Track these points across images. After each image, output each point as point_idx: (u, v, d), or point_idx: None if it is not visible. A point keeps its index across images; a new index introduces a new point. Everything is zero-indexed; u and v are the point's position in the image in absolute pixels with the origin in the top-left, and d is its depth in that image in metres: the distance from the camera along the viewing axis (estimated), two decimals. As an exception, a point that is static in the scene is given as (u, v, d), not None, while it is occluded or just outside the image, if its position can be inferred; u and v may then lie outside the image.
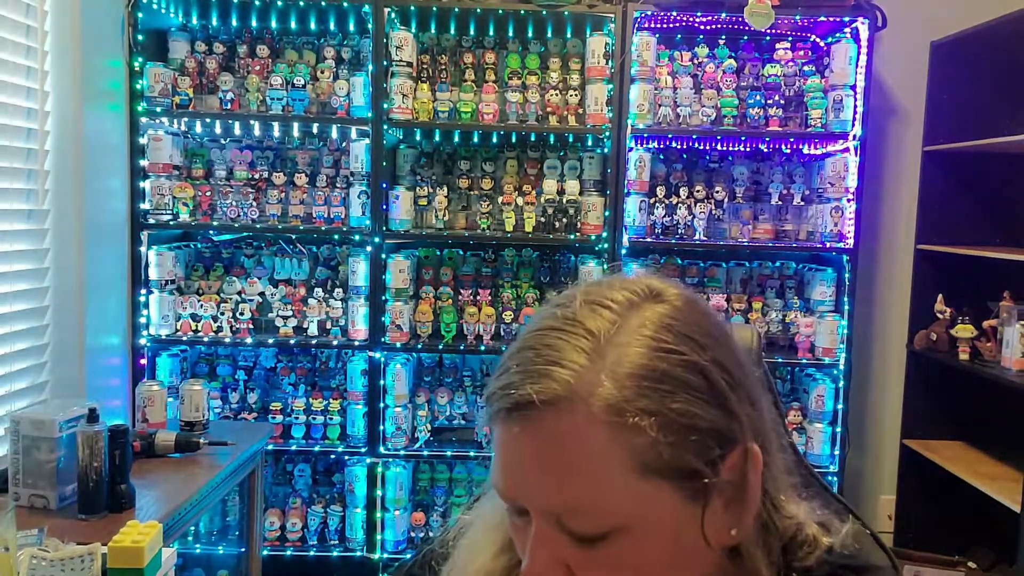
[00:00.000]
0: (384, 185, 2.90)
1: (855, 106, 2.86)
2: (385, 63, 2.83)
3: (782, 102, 2.94)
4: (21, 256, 2.32)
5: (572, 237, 2.92)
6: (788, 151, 3.10)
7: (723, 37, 3.04)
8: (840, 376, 2.94)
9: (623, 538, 0.61)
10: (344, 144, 3.03)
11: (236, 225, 2.91)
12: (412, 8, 2.83)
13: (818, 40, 3.06)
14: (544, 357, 0.62)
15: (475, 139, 3.07)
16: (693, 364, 0.62)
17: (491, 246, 3.10)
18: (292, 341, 2.91)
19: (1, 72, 2.23)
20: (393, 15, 2.84)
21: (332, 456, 3.04)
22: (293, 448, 2.95)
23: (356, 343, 2.90)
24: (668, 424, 0.60)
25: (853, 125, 2.86)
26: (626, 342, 0.62)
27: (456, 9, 2.83)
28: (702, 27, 2.96)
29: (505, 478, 0.64)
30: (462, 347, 2.93)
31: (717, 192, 3.01)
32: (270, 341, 2.92)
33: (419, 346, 2.93)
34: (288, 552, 2.95)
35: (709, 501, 0.63)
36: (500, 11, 2.82)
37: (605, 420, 0.59)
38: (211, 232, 3.02)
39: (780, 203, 3.05)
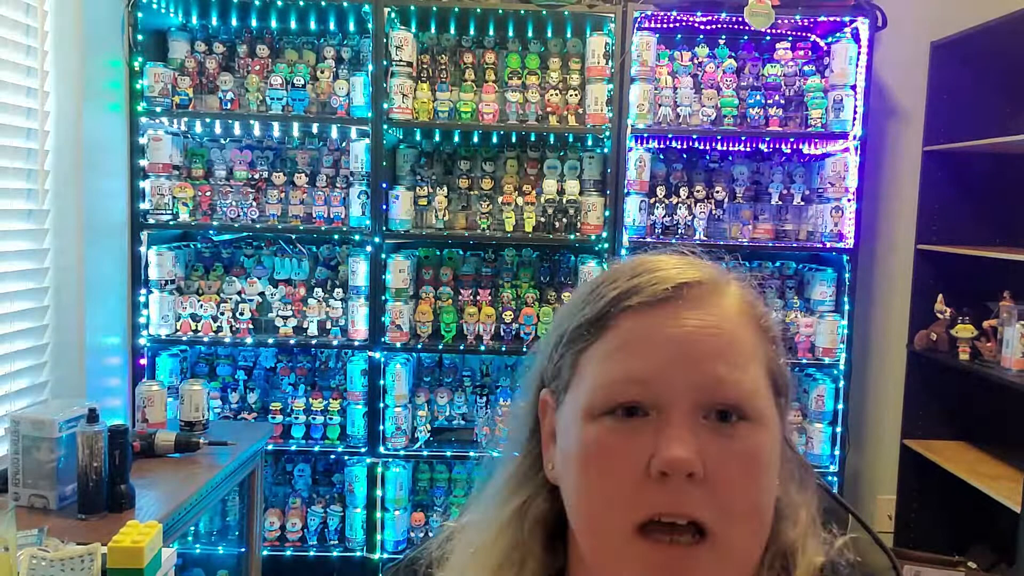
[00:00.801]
0: (384, 185, 2.90)
1: (855, 106, 2.86)
2: (385, 63, 2.83)
3: (782, 102, 2.94)
4: (21, 256, 2.32)
5: (572, 237, 2.92)
6: (788, 151, 3.10)
7: (723, 37, 3.04)
8: (840, 376, 2.93)
9: (754, 430, 0.63)
10: (344, 144, 3.03)
11: (236, 225, 2.91)
12: (412, 8, 2.83)
13: (818, 40, 3.06)
14: (675, 262, 0.67)
15: (475, 139, 3.07)
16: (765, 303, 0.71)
17: (491, 246, 3.10)
18: (292, 341, 2.91)
19: (1, 71, 2.23)
20: (393, 15, 2.84)
21: (332, 456, 3.04)
22: (293, 448, 2.95)
23: (356, 343, 2.90)
24: (775, 336, 0.68)
25: (853, 125, 2.86)
26: (729, 270, 0.69)
27: (456, 9, 2.83)
28: (702, 27, 2.96)
29: (647, 366, 0.63)
30: (462, 347, 2.93)
31: (717, 192, 3.01)
32: (270, 341, 2.92)
33: (419, 346, 2.93)
34: (288, 552, 2.95)
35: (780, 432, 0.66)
36: (500, 11, 2.82)
37: (748, 312, 0.66)
38: (211, 232, 3.02)
39: (780, 203, 3.05)
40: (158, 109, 2.80)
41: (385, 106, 2.83)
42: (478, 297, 2.97)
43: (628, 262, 0.69)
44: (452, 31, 3.09)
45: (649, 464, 0.60)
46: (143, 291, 2.83)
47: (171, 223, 2.86)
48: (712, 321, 0.64)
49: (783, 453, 0.67)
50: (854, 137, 2.87)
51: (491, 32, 3.06)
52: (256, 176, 2.98)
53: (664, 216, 2.96)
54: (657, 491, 0.60)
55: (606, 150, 2.92)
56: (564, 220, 2.93)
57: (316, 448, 2.95)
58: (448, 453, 2.96)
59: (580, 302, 0.68)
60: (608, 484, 0.62)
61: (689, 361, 0.62)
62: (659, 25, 2.95)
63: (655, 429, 0.61)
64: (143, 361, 2.84)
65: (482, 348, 2.93)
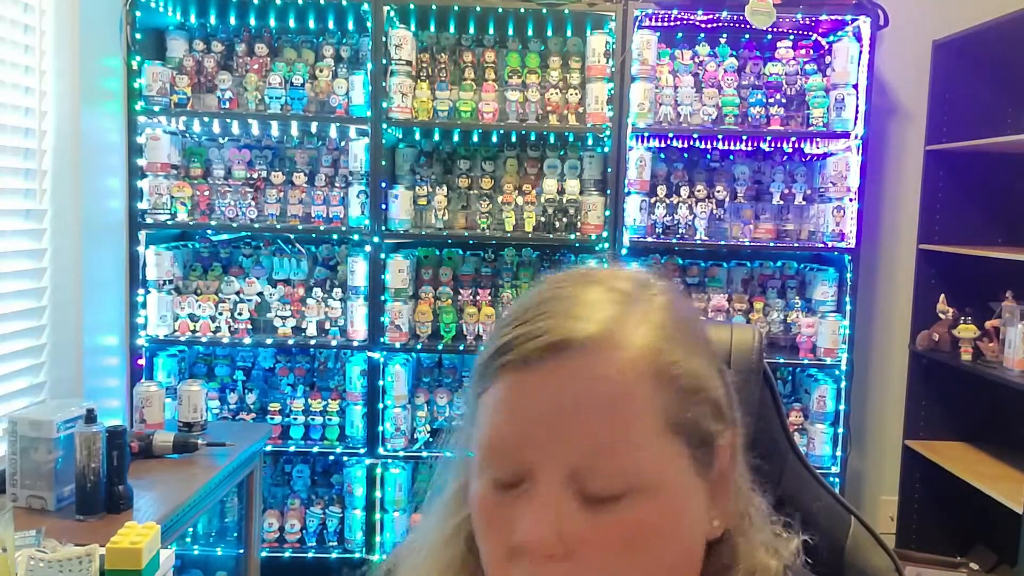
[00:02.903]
0: (383, 184, 2.89)
1: (857, 105, 2.85)
2: (384, 62, 2.82)
3: (783, 101, 2.93)
4: (19, 256, 2.32)
5: (572, 237, 2.91)
6: (789, 150, 3.09)
7: (724, 35, 3.03)
8: (842, 376, 2.92)
9: (637, 502, 0.57)
10: (343, 143, 3.02)
11: (234, 225, 2.90)
12: (411, 6, 2.82)
13: (820, 39, 3.05)
14: (576, 303, 0.60)
15: (475, 138, 3.06)
16: (702, 332, 0.63)
17: (491, 246, 3.09)
18: (291, 341, 2.90)
19: (-2, 71, 2.22)
20: (392, 13, 2.83)
21: (331, 457, 3.03)
22: (292, 449, 2.94)
23: (355, 343, 2.89)
24: (692, 381, 0.60)
25: (855, 124, 2.85)
26: (649, 298, 0.62)
27: (456, 7, 2.82)
28: (703, 25, 2.96)
29: (511, 433, 0.59)
30: (461, 347, 2.92)
31: (718, 192, 3.00)
32: (268, 341, 2.91)
33: (418, 346, 2.92)
34: (287, 553, 2.94)
35: (708, 478, 0.61)
36: (500, 9, 2.81)
37: (640, 365, 0.58)
38: (209, 232, 3.01)
39: (781, 203, 3.04)
40: (156, 108, 2.79)
41: (384, 105, 2.82)
42: (478, 297, 2.96)
43: (532, 296, 0.63)
44: (452, 30, 3.08)
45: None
46: (141, 291, 2.82)
47: (169, 223, 2.86)
48: (591, 387, 0.57)
49: (728, 494, 0.63)
50: (856, 136, 2.86)
51: (491, 31, 3.06)
52: (255, 175, 2.97)
53: (665, 216, 2.95)
54: (521, 568, 0.58)
55: (606, 149, 2.91)
56: (564, 220, 2.92)
57: (315, 449, 2.94)
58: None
59: (492, 335, 0.63)
60: (488, 545, 0.61)
61: (561, 432, 0.57)
62: (660, 23, 2.94)
63: (524, 501, 0.58)
64: (141, 361, 2.83)
65: (482, 348, 2.91)
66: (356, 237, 2.93)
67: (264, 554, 2.79)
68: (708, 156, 3.13)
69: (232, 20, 3.04)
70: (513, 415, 0.59)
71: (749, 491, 0.67)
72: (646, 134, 2.91)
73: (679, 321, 0.62)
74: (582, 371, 0.58)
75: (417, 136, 3.10)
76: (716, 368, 0.63)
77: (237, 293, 2.95)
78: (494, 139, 3.06)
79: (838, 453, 2.93)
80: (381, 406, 2.91)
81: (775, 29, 2.89)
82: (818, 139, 2.94)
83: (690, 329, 0.63)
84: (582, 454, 0.57)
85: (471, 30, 3.06)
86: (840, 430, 2.92)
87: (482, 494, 0.61)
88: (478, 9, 2.81)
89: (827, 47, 3.01)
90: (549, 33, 3.04)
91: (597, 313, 0.59)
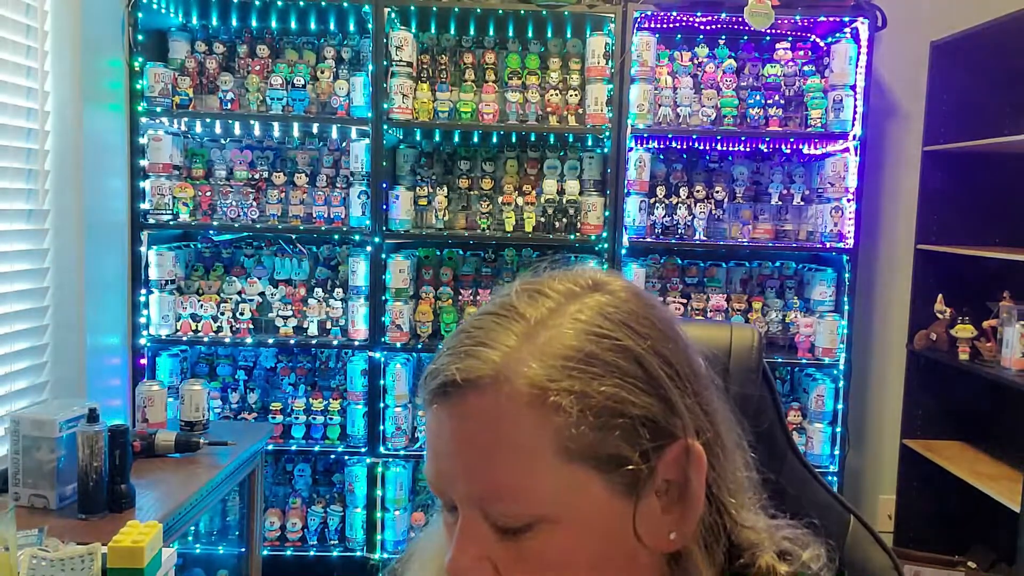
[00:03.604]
0: (384, 185, 2.90)
1: (855, 106, 2.86)
2: (385, 63, 2.83)
3: (782, 102, 2.94)
4: (21, 256, 2.32)
5: (572, 237, 2.92)
6: (788, 151, 3.10)
7: (723, 37, 3.04)
8: (840, 376, 2.93)
9: (549, 531, 0.59)
10: (344, 144, 3.03)
11: (236, 225, 2.91)
12: (412, 8, 2.83)
13: (818, 40, 3.06)
14: (474, 339, 0.61)
15: (475, 139, 3.07)
16: (627, 349, 0.60)
17: (491, 246, 3.10)
18: (292, 341, 2.91)
19: (1, 72, 2.23)
20: (393, 15, 2.84)
21: (332, 456, 3.04)
22: (293, 448, 2.95)
23: (356, 343, 2.90)
24: (594, 406, 0.58)
25: (853, 125, 2.86)
26: (558, 324, 0.61)
27: (456, 9, 2.83)
28: (702, 27, 2.96)
29: (432, 466, 0.63)
30: (462, 347, 2.92)
31: (717, 192, 3.01)
32: (270, 341, 2.92)
33: (419, 346, 2.93)
34: (288, 552, 2.95)
35: (642, 496, 0.60)
36: (500, 11, 2.82)
37: (527, 399, 0.58)
38: (211, 232, 3.02)
39: (780, 203, 3.05)
40: (158, 109, 2.80)
41: (385, 106, 2.83)
42: (478, 297, 2.97)
43: (464, 322, 0.65)
44: (452, 31, 3.09)
45: None
46: (143, 291, 2.83)
47: (171, 223, 2.87)
48: (480, 425, 0.59)
49: (688, 506, 0.62)
50: (854, 137, 2.87)
51: (491, 32, 3.07)
52: (256, 176, 2.98)
53: (664, 216, 2.96)
54: None
55: (606, 150, 2.92)
56: (564, 220, 2.93)
57: (316, 448, 2.95)
58: (448, 453, 2.95)
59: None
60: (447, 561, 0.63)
61: (460, 468, 0.61)
62: (659, 25, 2.95)
63: (457, 529, 0.62)
64: (143, 361, 2.84)
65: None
66: (357, 237, 2.94)
67: (266, 553, 2.80)
68: (707, 157, 3.14)
69: (234, 21, 3.05)
70: (430, 448, 0.63)
71: (742, 493, 0.67)
72: (645, 135, 2.91)
73: (594, 341, 0.60)
74: (472, 410, 0.59)
75: (418, 137, 3.11)
76: (654, 382, 0.60)
77: (239, 293, 2.96)
78: (494, 140, 3.07)
79: (836, 452, 2.94)
80: (382, 405, 2.92)
81: (773, 30, 2.90)
82: (816, 140, 2.95)
83: (612, 348, 0.60)
84: (480, 490, 0.60)
85: (471, 31, 3.07)
86: (838, 429, 2.93)
87: (443, 513, 0.65)
88: (478, 11, 2.82)
89: (825, 48, 3.02)
90: (549, 35, 3.05)
91: (493, 350, 0.60)
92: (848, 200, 2.90)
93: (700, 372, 0.65)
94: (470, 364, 0.60)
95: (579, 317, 0.61)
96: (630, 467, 0.59)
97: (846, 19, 2.84)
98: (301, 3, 2.82)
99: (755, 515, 0.67)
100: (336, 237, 3.03)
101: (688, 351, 0.65)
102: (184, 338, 2.89)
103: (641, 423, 0.60)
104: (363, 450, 2.92)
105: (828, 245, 2.92)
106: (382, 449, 2.92)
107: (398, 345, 2.89)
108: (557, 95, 2.92)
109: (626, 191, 2.88)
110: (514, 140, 3.08)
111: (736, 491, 0.66)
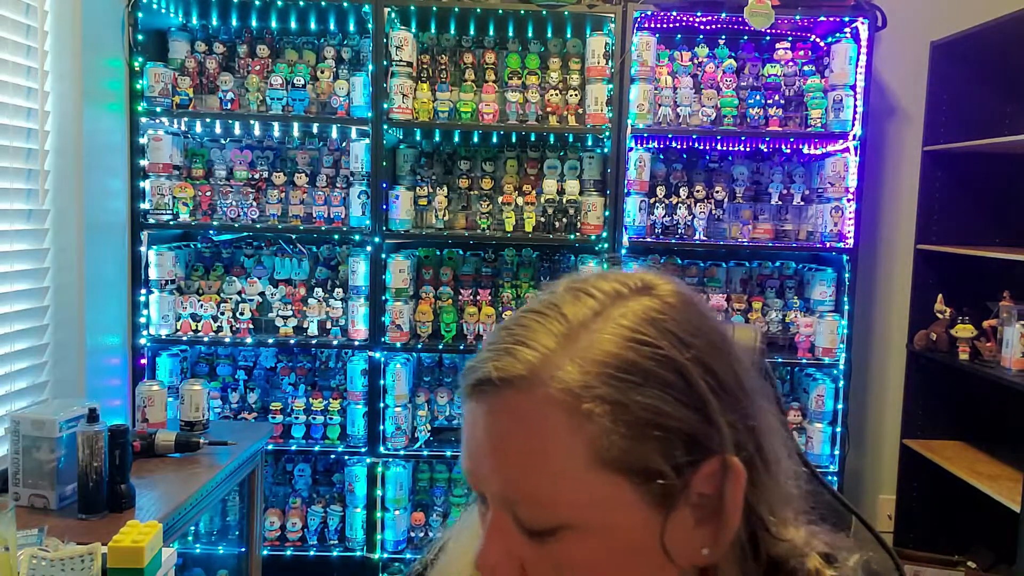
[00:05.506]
0: (384, 185, 2.90)
1: (855, 106, 2.86)
2: (385, 63, 2.83)
3: (782, 102, 2.94)
4: (21, 256, 2.32)
5: (572, 237, 2.92)
6: (788, 151, 3.10)
7: (723, 37, 3.04)
8: (840, 376, 2.94)
9: (576, 538, 0.58)
10: (344, 144, 3.03)
11: (236, 225, 2.91)
12: (412, 8, 2.83)
13: (818, 40, 3.06)
14: (514, 337, 0.60)
15: (475, 139, 3.07)
16: (669, 360, 0.59)
17: (491, 246, 3.10)
18: (292, 341, 2.91)
19: (1, 72, 2.23)
20: (393, 15, 2.84)
21: (332, 456, 3.04)
22: (293, 448, 2.95)
23: (356, 343, 2.90)
24: (629, 416, 0.57)
25: (853, 125, 2.86)
26: (600, 329, 0.59)
27: (456, 9, 2.83)
28: (702, 27, 2.97)
29: (466, 459, 0.63)
30: (462, 347, 2.93)
31: (717, 192, 3.01)
32: (270, 341, 2.92)
33: (419, 346, 2.93)
34: (288, 552, 2.95)
35: (673, 510, 0.59)
36: (500, 11, 2.82)
37: (561, 403, 0.57)
38: (211, 232, 3.02)
39: (780, 203, 3.05)
40: (158, 109, 2.80)
41: (385, 106, 2.83)
42: (478, 297, 2.97)
43: (510, 317, 0.64)
44: (452, 31, 3.09)
45: None
46: (143, 291, 2.83)
47: (171, 223, 2.87)
48: (513, 425, 0.59)
49: (723, 522, 0.61)
50: (854, 137, 2.87)
51: (491, 32, 3.07)
52: (256, 176, 2.98)
53: (664, 216, 2.96)
54: None
55: (606, 150, 2.92)
56: (564, 220, 2.93)
57: (316, 448, 2.95)
58: (448, 453, 2.96)
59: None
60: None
61: (491, 465, 0.60)
62: (659, 25, 2.95)
63: (487, 522, 0.62)
64: (143, 361, 2.84)
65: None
66: (357, 237, 2.94)
67: (266, 552, 2.80)
68: (707, 157, 3.14)
69: (234, 21, 3.05)
70: (466, 441, 0.63)
71: (786, 507, 0.66)
72: (645, 135, 2.91)
73: (635, 349, 0.59)
74: (506, 408, 0.59)
75: (418, 137, 3.11)
76: (695, 395, 0.59)
77: (239, 293, 2.96)
78: (494, 140, 3.07)
79: (836, 452, 2.94)
80: (382, 405, 2.92)
81: (773, 30, 2.90)
82: (816, 140, 2.95)
83: (653, 357, 0.59)
84: (508, 489, 0.59)
85: (471, 31, 3.07)
86: (838, 429, 2.93)
87: (477, 504, 0.65)
88: (478, 11, 2.82)
89: (825, 48, 3.02)
90: (549, 35, 3.05)
91: (533, 349, 0.59)
92: (848, 200, 2.90)
93: (747, 385, 0.63)
94: (507, 362, 0.59)
95: (622, 322, 0.60)
96: (663, 480, 0.58)
97: (846, 19, 2.84)
98: (301, 3, 2.82)
99: (795, 529, 0.66)
100: (336, 237, 3.03)
101: (736, 362, 0.63)
102: (184, 338, 2.89)
103: (678, 436, 0.58)
104: (363, 450, 2.92)
105: (828, 245, 2.92)
106: (382, 449, 2.92)
107: (398, 345, 2.89)
108: (557, 95, 2.92)
109: (626, 191, 2.88)
110: (514, 140, 3.08)
111: (778, 506, 0.65)
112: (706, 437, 0.59)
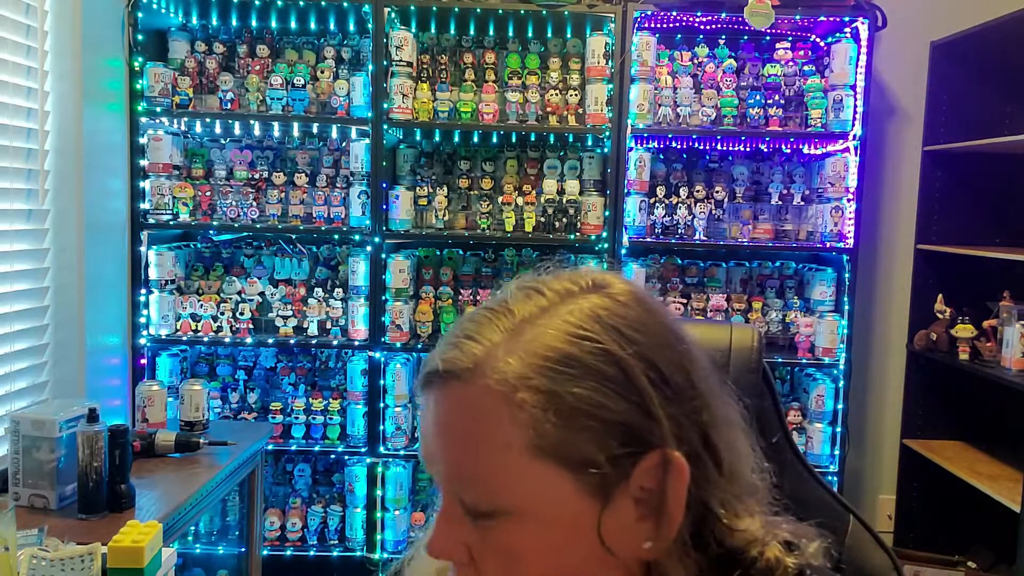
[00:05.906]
0: (384, 185, 2.90)
1: (855, 106, 2.86)
2: (385, 63, 2.83)
3: (782, 102, 2.94)
4: (21, 256, 2.32)
5: (572, 237, 2.92)
6: (788, 151, 3.10)
7: (723, 37, 3.04)
8: (840, 376, 2.93)
9: (515, 522, 0.61)
10: (344, 144, 3.03)
11: (236, 225, 2.91)
12: (412, 8, 2.83)
13: (818, 40, 3.06)
14: (465, 332, 0.64)
15: (475, 139, 3.07)
16: (609, 354, 0.61)
17: (491, 246, 3.10)
18: (292, 341, 2.91)
19: (1, 72, 2.23)
20: (393, 15, 2.84)
21: (332, 456, 3.04)
22: (293, 448, 2.95)
23: (356, 343, 2.90)
24: (562, 405, 0.59)
25: (853, 125, 2.86)
26: (545, 324, 0.62)
27: (456, 9, 2.83)
28: (702, 27, 2.96)
29: (421, 448, 0.67)
30: (462, 347, 2.92)
31: (717, 192, 3.01)
32: (270, 341, 2.92)
33: (419, 346, 2.93)
34: (288, 552, 2.95)
35: (611, 501, 0.61)
36: (500, 11, 2.82)
37: (498, 393, 0.60)
38: (211, 232, 3.02)
39: (780, 203, 3.05)
40: (158, 109, 2.80)
41: (385, 106, 2.83)
42: (478, 297, 2.97)
43: (468, 312, 0.68)
44: (452, 31, 3.09)
45: None
46: (143, 291, 2.83)
47: (171, 223, 2.87)
48: (455, 414, 0.62)
49: (666, 516, 0.61)
50: (854, 137, 2.87)
51: (491, 32, 3.07)
52: (256, 176, 2.98)
53: (664, 216, 2.96)
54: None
55: (606, 150, 2.92)
56: (564, 220, 2.93)
57: (316, 448, 2.95)
58: (448, 453, 2.96)
59: None
60: None
61: (438, 453, 0.64)
62: (659, 25, 2.95)
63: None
64: (143, 361, 2.84)
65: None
66: (357, 237, 2.94)
67: (266, 552, 2.80)
68: (707, 157, 3.14)
69: (234, 21, 3.05)
70: (420, 430, 0.68)
71: (739, 502, 0.66)
72: (645, 135, 2.91)
73: (576, 344, 0.61)
74: (450, 398, 0.63)
75: (418, 137, 3.11)
76: (633, 389, 0.60)
77: (239, 293, 2.96)
78: (494, 140, 3.07)
79: (836, 452, 2.94)
80: (382, 405, 2.92)
81: (773, 30, 2.90)
82: (816, 140, 2.95)
83: (593, 352, 0.60)
84: (452, 473, 0.63)
85: (471, 31, 3.07)
86: (838, 429, 2.93)
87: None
88: (478, 11, 2.82)
89: (825, 48, 3.02)
90: (549, 34, 3.05)
91: (479, 343, 0.62)
92: (848, 200, 2.90)
93: (697, 382, 0.64)
94: (454, 355, 0.63)
95: (568, 319, 0.62)
96: (597, 470, 0.60)
97: (846, 19, 2.84)
98: (301, 3, 2.82)
99: (750, 518, 0.66)
100: (336, 237, 3.03)
101: (689, 360, 0.65)
102: (184, 338, 2.89)
103: (615, 428, 0.60)
104: (363, 450, 2.92)
105: (828, 245, 2.92)
106: (382, 449, 2.92)
107: (398, 345, 2.89)
108: (557, 95, 2.92)
109: (626, 191, 2.88)
110: (514, 140, 3.08)
111: (731, 500, 0.65)
112: (645, 430, 0.61)
